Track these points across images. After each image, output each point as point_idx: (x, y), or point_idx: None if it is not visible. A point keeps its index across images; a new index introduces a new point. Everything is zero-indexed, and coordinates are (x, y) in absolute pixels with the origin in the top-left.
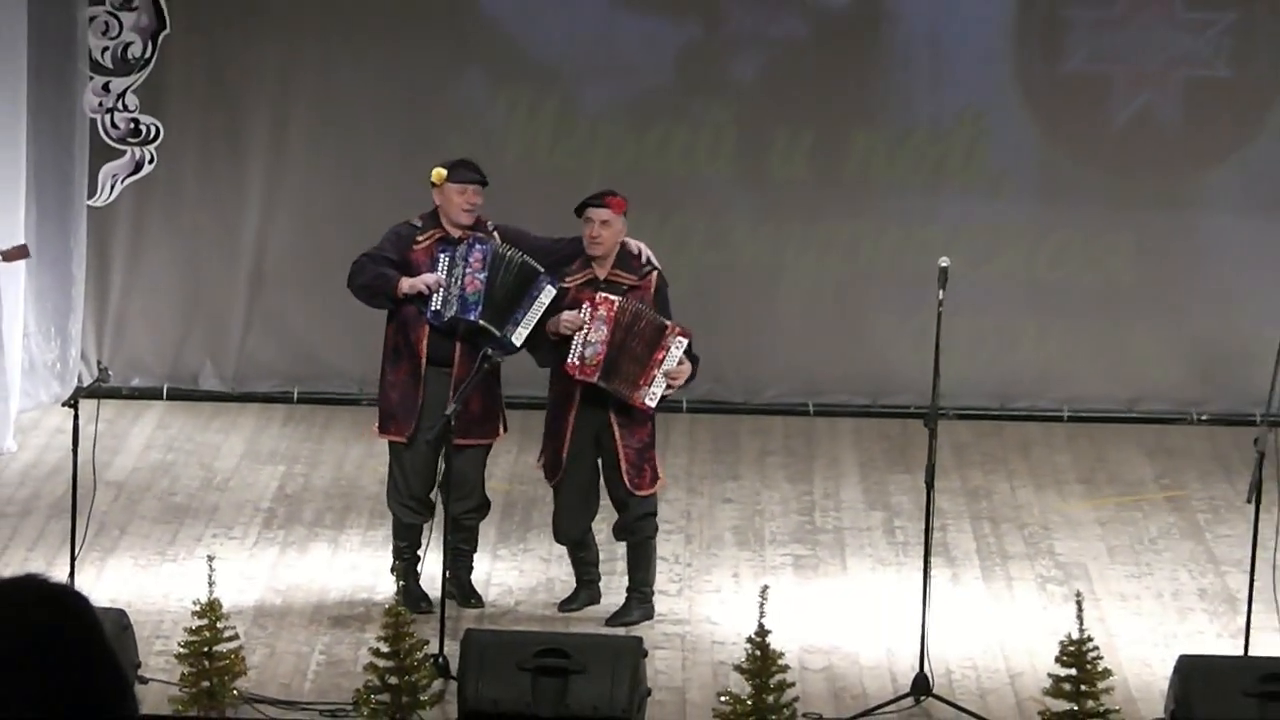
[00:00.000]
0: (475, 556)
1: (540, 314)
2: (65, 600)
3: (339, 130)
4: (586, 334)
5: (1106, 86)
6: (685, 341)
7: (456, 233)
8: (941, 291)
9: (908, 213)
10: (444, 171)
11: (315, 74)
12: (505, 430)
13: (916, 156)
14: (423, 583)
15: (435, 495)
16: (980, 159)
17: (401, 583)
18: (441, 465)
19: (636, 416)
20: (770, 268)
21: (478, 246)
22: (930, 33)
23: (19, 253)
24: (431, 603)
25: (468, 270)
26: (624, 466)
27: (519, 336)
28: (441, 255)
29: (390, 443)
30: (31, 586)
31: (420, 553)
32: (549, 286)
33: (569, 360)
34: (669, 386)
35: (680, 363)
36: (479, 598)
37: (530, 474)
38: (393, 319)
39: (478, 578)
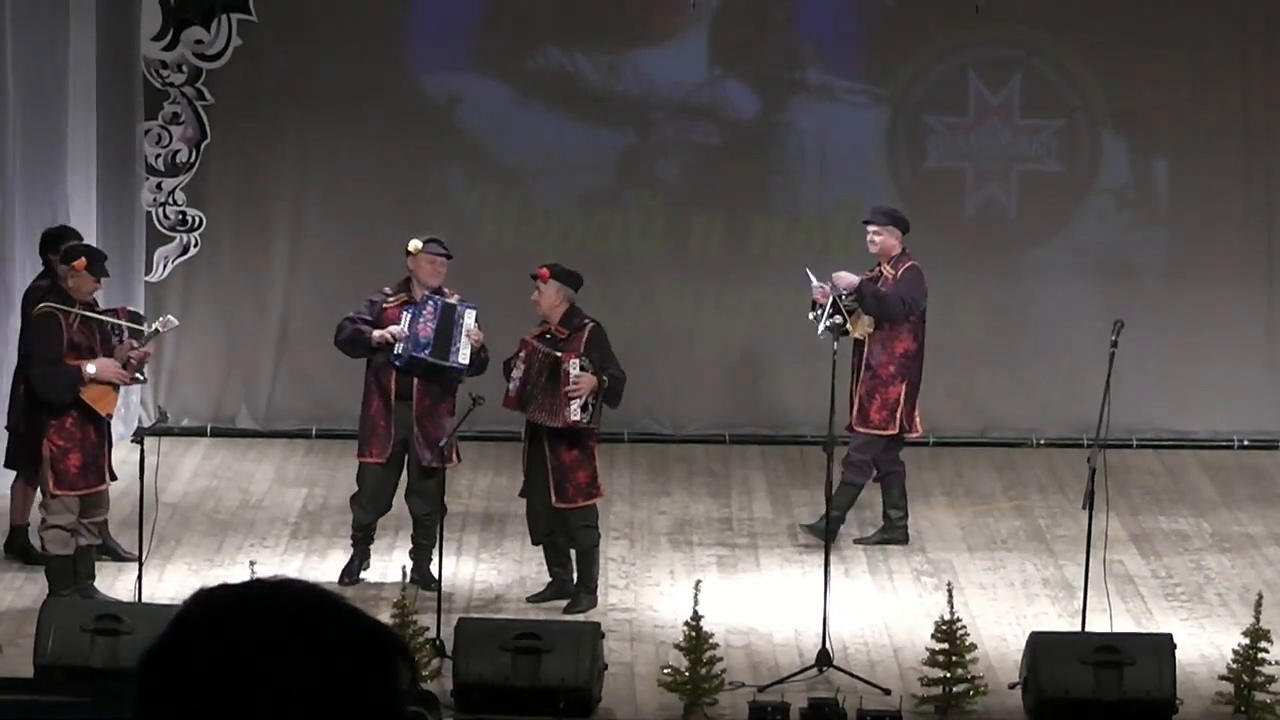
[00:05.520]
0: (457, 558)
1: (469, 330)
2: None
3: (345, 217)
4: (514, 373)
5: (959, 180)
6: (577, 362)
7: (422, 295)
8: (836, 345)
9: (800, 282)
10: (419, 243)
11: (326, 172)
12: (459, 459)
13: (806, 237)
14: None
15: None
16: (857, 239)
17: (348, 562)
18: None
19: (564, 441)
20: (691, 326)
21: (429, 302)
22: (818, 137)
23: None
24: (358, 578)
25: (421, 320)
26: (550, 482)
27: (463, 357)
28: (405, 313)
29: (364, 463)
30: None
31: (366, 544)
32: (468, 310)
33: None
34: (582, 399)
35: (579, 379)
36: (436, 582)
37: (510, 489)
38: (369, 365)
39: (464, 577)
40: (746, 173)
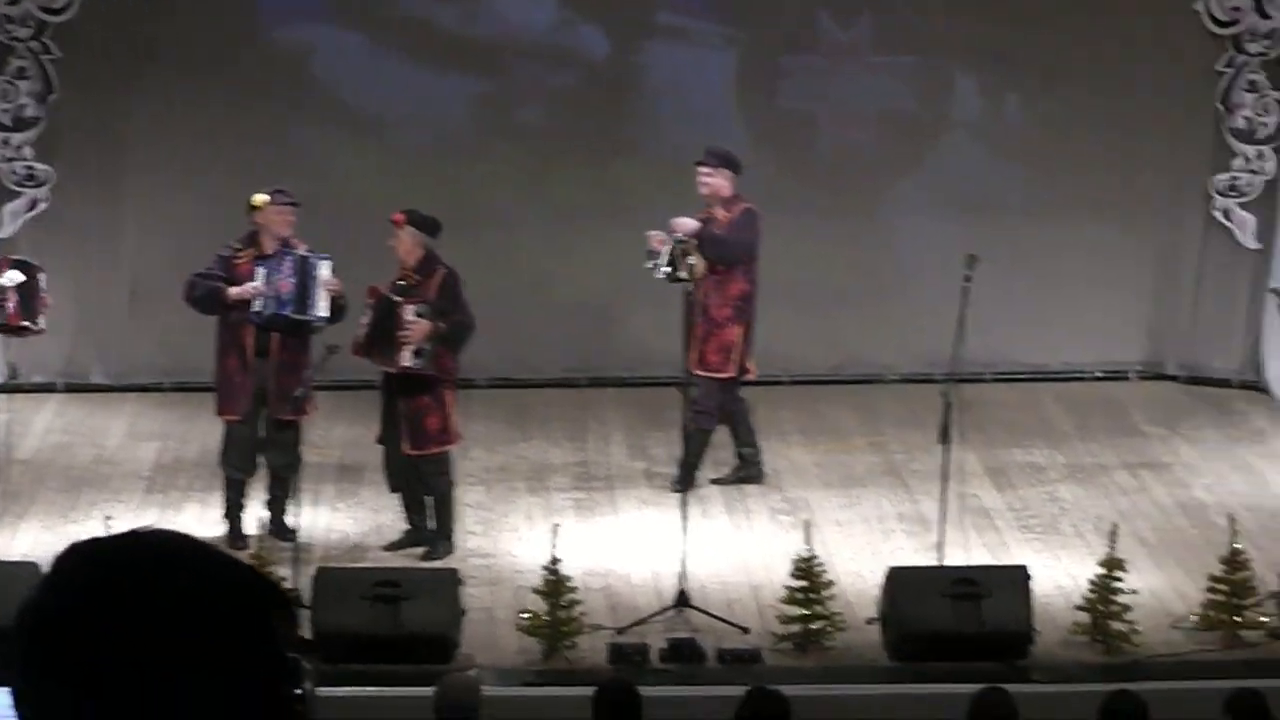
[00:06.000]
0: (314, 509)
1: (324, 281)
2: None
3: (199, 171)
4: (362, 319)
5: (814, 120)
6: (412, 308)
7: (272, 247)
8: (692, 286)
9: (659, 226)
10: (265, 197)
11: (179, 126)
12: (314, 410)
13: (664, 180)
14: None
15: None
16: None
17: (230, 525)
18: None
19: (417, 388)
20: (550, 272)
21: (288, 258)
22: (673, 81)
23: None
24: (248, 540)
25: (280, 276)
26: (403, 429)
27: (322, 310)
28: (259, 268)
29: (228, 421)
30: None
31: (244, 501)
32: (322, 261)
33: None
34: (414, 344)
35: (412, 324)
36: (293, 532)
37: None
38: (223, 322)
39: (321, 527)
40: (603, 117)
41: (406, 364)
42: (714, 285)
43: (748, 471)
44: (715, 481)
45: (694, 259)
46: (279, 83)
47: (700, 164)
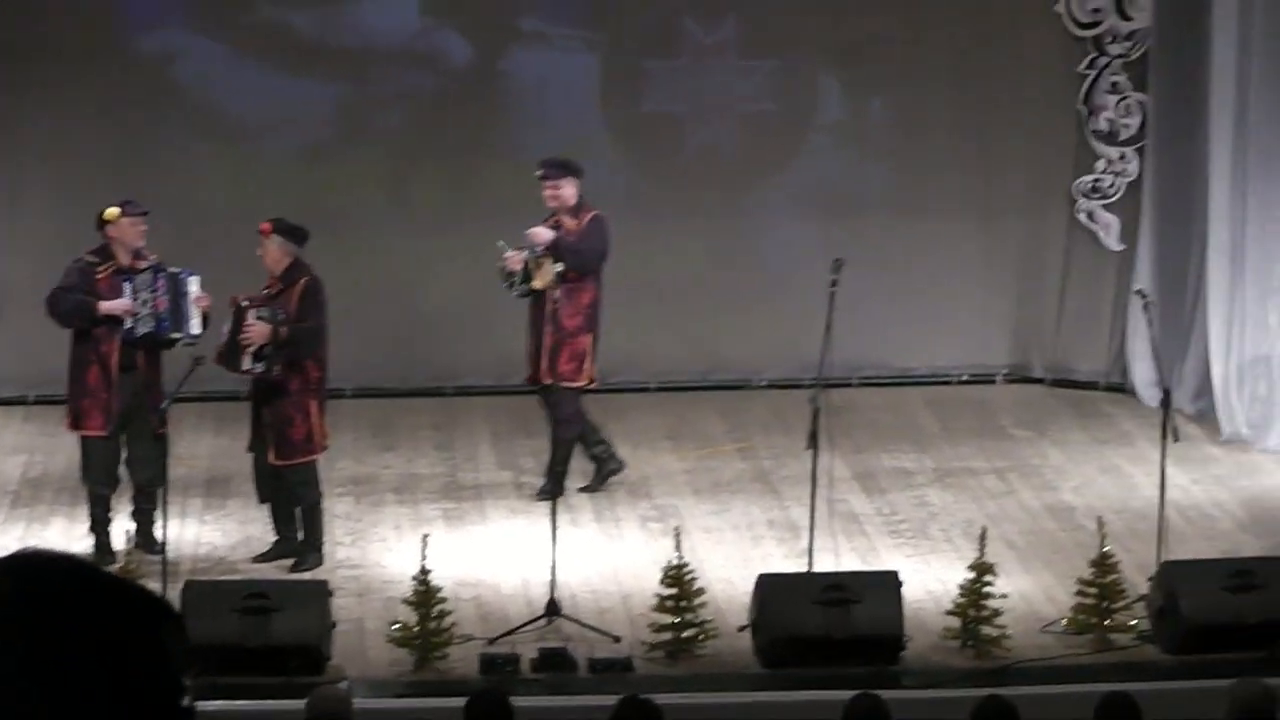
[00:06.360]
0: (181, 521)
1: (195, 297)
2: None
3: (62, 181)
4: (224, 329)
5: (678, 122)
6: (254, 312)
7: (127, 260)
8: (558, 294)
9: (523, 228)
10: (117, 210)
11: (42, 136)
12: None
13: (527, 183)
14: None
15: (121, 472)
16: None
17: (97, 540)
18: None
19: (280, 397)
20: (415, 278)
21: (160, 275)
22: (535, 84)
23: None
24: (116, 555)
25: (154, 294)
26: (268, 439)
27: (195, 327)
28: (125, 284)
29: (86, 437)
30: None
31: (111, 516)
32: (191, 278)
33: None
34: (254, 348)
35: (249, 327)
36: (161, 545)
37: (233, 449)
38: (83, 337)
39: (188, 539)
40: (466, 122)
41: (245, 368)
42: (565, 294)
43: (607, 467)
44: (584, 490)
45: (548, 268)
46: (140, 91)
47: (544, 177)
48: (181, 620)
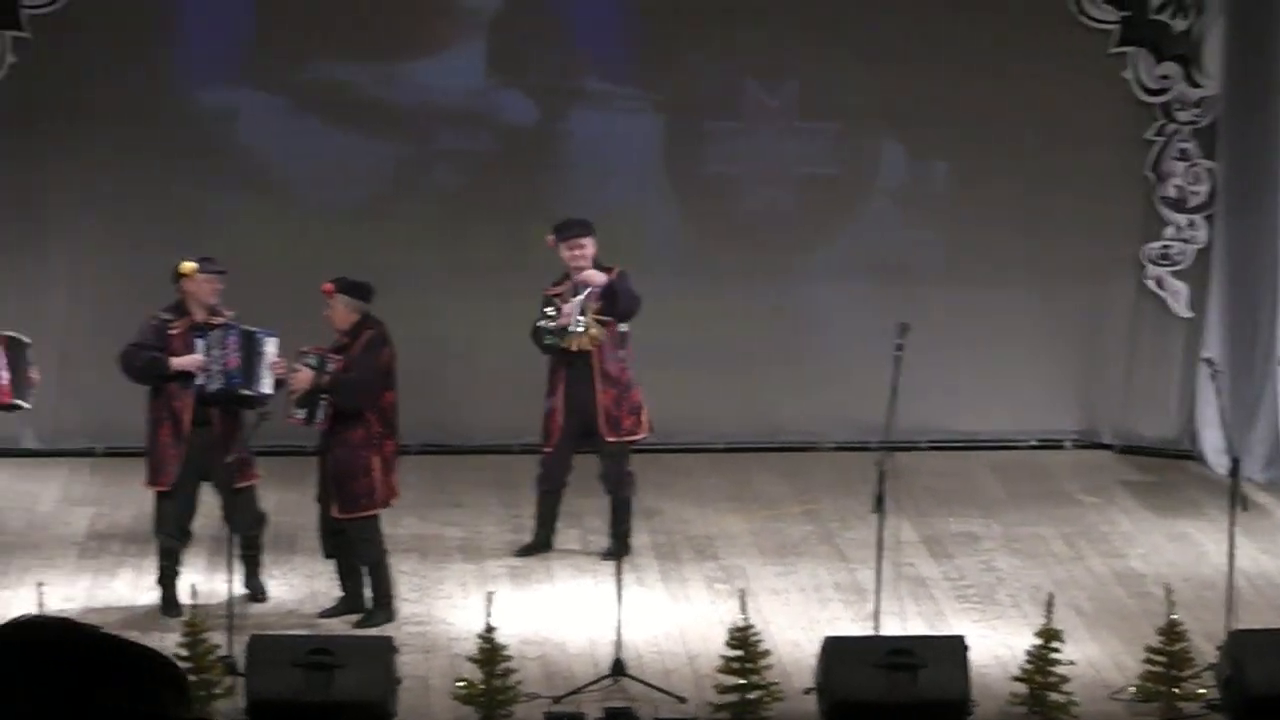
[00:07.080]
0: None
1: (270, 359)
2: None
3: (124, 234)
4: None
5: (738, 184)
6: (303, 359)
7: (201, 316)
8: (621, 351)
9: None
10: (193, 265)
11: (104, 190)
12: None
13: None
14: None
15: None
16: (639, 244)
17: (163, 593)
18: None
19: (343, 451)
20: (472, 336)
21: (231, 333)
22: (596, 145)
23: None
24: (182, 609)
25: (226, 351)
26: (330, 493)
27: (268, 386)
28: (199, 340)
29: (160, 492)
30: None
31: (179, 569)
32: (268, 338)
33: None
34: (297, 396)
35: (296, 373)
36: (263, 593)
37: (301, 504)
38: (157, 393)
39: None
40: (525, 181)
41: (289, 415)
42: (611, 348)
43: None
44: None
45: (591, 320)
46: (200, 146)
47: (568, 237)
48: (183, 682)
